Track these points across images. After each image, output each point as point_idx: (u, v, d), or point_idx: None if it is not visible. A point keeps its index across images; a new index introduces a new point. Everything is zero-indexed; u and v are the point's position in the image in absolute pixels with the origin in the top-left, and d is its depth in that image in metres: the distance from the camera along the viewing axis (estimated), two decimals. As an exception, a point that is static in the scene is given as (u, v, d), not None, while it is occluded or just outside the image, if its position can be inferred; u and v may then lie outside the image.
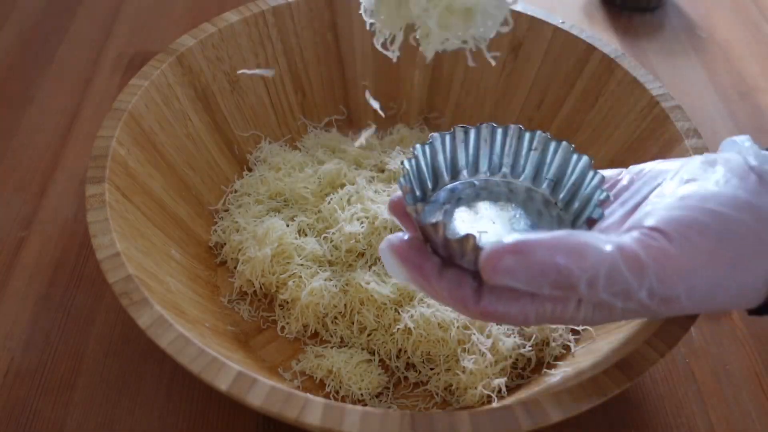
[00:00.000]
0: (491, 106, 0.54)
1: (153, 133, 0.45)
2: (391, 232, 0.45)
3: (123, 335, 0.44)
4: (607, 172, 0.35)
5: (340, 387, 0.40)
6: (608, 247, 0.27)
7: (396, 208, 0.33)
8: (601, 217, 0.31)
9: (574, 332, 0.42)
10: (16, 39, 0.67)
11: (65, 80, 0.63)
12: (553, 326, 0.42)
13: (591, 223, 0.31)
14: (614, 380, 0.32)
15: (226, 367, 0.32)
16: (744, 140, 0.32)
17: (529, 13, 0.52)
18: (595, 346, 0.39)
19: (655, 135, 0.45)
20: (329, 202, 0.47)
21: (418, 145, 0.34)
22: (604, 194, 0.32)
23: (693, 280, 0.27)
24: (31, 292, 0.46)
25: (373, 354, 0.42)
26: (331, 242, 0.45)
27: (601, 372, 0.32)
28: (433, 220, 0.29)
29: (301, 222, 0.47)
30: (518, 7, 0.52)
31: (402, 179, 0.32)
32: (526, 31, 0.52)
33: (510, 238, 0.27)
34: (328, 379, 0.41)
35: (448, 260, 0.30)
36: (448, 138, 0.36)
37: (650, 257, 0.27)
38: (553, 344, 0.41)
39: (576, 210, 0.34)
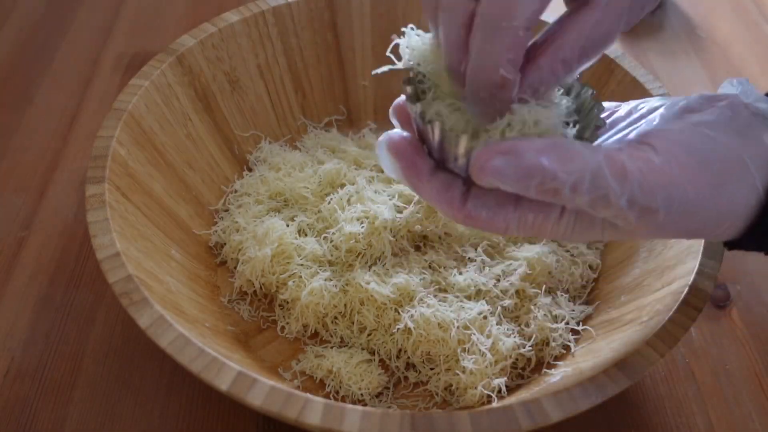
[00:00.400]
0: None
1: (153, 133, 0.45)
2: (391, 231, 0.45)
3: (123, 335, 0.44)
4: (607, 104, 0.35)
5: (340, 387, 0.40)
6: (594, 153, 0.28)
7: (399, 111, 0.33)
8: (595, 139, 0.31)
9: (574, 332, 0.42)
10: (17, 39, 0.67)
11: (65, 80, 0.63)
12: (551, 325, 0.42)
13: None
14: (614, 380, 0.32)
15: (226, 367, 0.32)
16: (741, 81, 0.33)
17: (529, 13, 0.52)
18: (595, 346, 0.39)
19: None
20: (329, 202, 0.47)
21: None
22: (601, 120, 0.31)
23: (672, 193, 0.28)
24: (31, 292, 0.46)
25: (373, 354, 0.42)
26: (331, 242, 0.45)
27: (601, 372, 0.32)
28: (429, 119, 0.29)
29: (301, 222, 0.47)
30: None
31: (406, 80, 0.32)
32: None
33: (501, 141, 0.28)
34: (328, 379, 0.41)
35: (441, 164, 0.31)
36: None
37: (634, 165, 0.28)
38: (553, 344, 0.41)
39: (574, 133, 0.33)
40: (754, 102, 0.31)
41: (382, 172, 0.51)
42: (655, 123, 0.31)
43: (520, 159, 0.27)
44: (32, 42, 0.67)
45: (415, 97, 0.31)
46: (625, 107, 0.35)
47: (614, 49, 0.49)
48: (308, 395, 0.31)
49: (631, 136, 0.30)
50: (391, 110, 0.34)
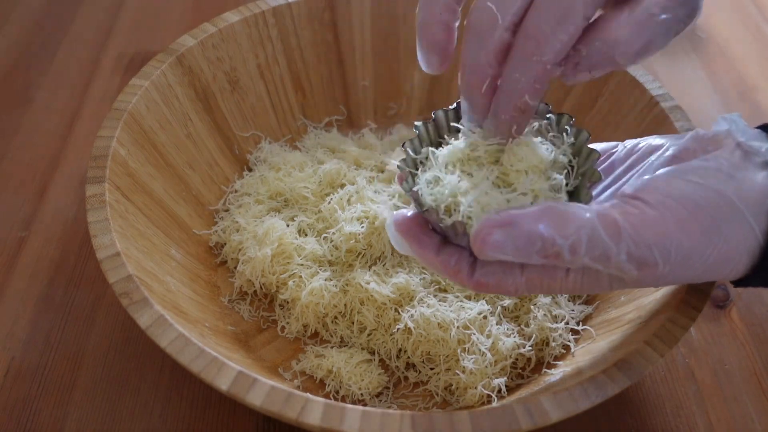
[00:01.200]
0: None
1: (153, 133, 0.45)
2: (391, 232, 0.45)
3: (123, 335, 0.44)
4: (602, 146, 0.36)
5: (340, 387, 0.40)
6: (588, 214, 0.28)
7: (403, 180, 0.34)
8: (590, 199, 0.32)
9: (574, 332, 0.42)
10: (17, 39, 0.67)
11: (66, 80, 0.63)
12: (551, 325, 0.42)
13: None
14: (614, 380, 0.32)
15: (226, 367, 0.32)
16: (734, 117, 0.33)
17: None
18: (595, 346, 0.39)
19: (655, 135, 0.45)
20: (329, 202, 0.47)
21: (419, 123, 0.35)
22: (597, 174, 0.32)
23: (667, 245, 0.29)
24: (31, 292, 0.46)
25: (373, 354, 0.42)
26: (331, 242, 0.45)
27: (601, 372, 0.32)
28: (426, 208, 0.31)
29: (301, 222, 0.47)
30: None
31: (401, 162, 0.33)
32: (526, 31, 0.52)
33: (496, 214, 0.29)
34: (328, 379, 0.41)
35: (446, 238, 0.33)
36: (451, 112, 0.35)
37: (627, 221, 0.28)
38: (552, 344, 0.41)
39: (569, 185, 0.34)
40: (748, 141, 0.31)
41: (382, 171, 0.51)
42: (646, 176, 0.31)
43: (517, 230, 0.28)
44: (32, 42, 0.67)
45: (411, 180, 0.33)
46: (621, 147, 0.36)
47: (614, 49, 0.49)
48: (308, 395, 0.31)
49: (625, 190, 0.31)
50: (396, 178, 0.36)
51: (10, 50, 0.66)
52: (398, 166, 0.33)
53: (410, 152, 0.34)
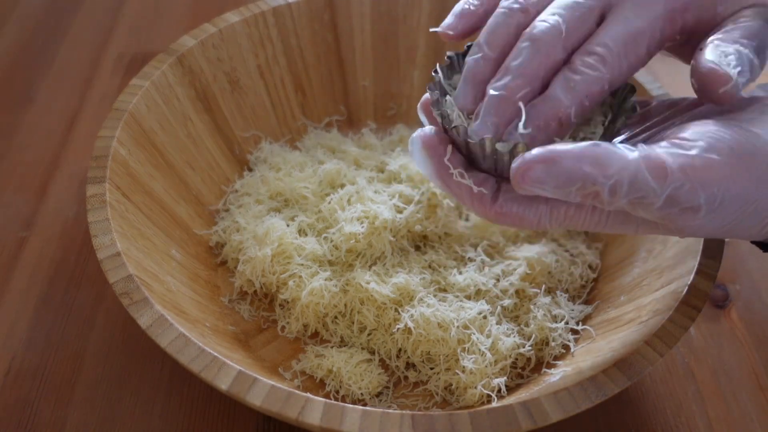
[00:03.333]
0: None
1: (153, 134, 0.45)
2: (391, 232, 0.45)
3: (123, 335, 0.44)
4: (642, 99, 0.36)
5: (340, 386, 0.40)
6: (633, 154, 0.27)
7: (426, 106, 0.34)
8: (624, 125, 0.31)
9: (574, 332, 0.42)
10: (17, 39, 0.67)
11: (66, 80, 0.63)
12: (551, 325, 0.42)
13: (614, 131, 0.31)
14: (614, 380, 0.32)
15: (227, 366, 0.32)
16: None
17: (528, 13, 0.52)
18: (595, 346, 0.39)
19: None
20: (329, 202, 0.47)
21: (449, 52, 0.34)
22: (634, 107, 0.31)
23: (716, 190, 0.27)
24: (31, 292, 0.46)
25: (373, 354, 0.42)
26: (331, 242, 0.45)
27: (600, 372, 0.32)
28: (454, 124, 0.30)
29: (302, 222, 0.47)
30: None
31: (431, 84, 0.33)
32: (526, 31, 0.52)
33: (540, 148, 0.28)
34: (328, 379, 0.41)
35: (470, 161, 0.32)
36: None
37: (675, 163, 0.27)
38: (552, 344, 0.41)
39: (606, 121, 0.33)
40: None
41: (382, 171, 0.51)
42: (694, 119, 0.30)
43: (560, 166, 0.27)
44: (33, 42, 0.67)
45: (438, 103, 0.32)
46: (659, 102, 0.35)
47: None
48: (308, 395, 0.31)
49: (671, 132, 0.30)
50: (419, 105, 0.35)
51: (10, 50, 0.66)
52: (428, 89, 0.32)
53: (441, 77, 0.33)
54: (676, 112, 0.33)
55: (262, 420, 0.40)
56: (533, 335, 0.41)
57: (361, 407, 0.30)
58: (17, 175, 0.54)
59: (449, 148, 0.31)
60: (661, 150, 0.28)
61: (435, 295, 0.43)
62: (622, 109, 0.32)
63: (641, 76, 0.47)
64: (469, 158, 0.32)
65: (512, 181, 0.28)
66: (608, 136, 0.32)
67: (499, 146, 0.29)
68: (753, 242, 0.33)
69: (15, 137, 0.57)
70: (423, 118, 0.35)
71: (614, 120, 0.32)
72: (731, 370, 0.43)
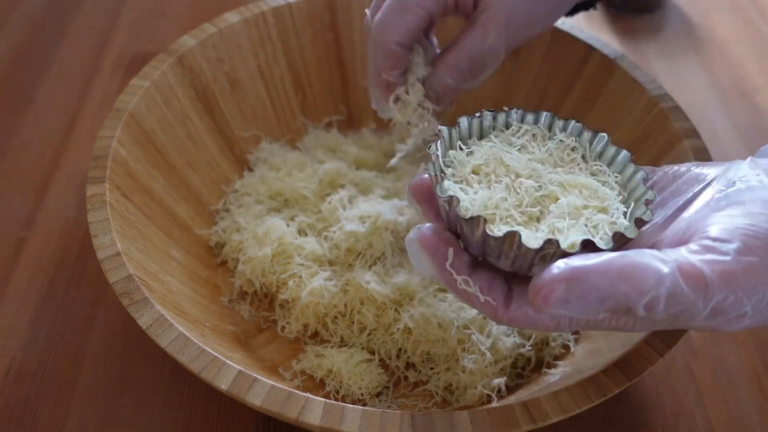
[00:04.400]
0: (491, 107, 0.54)
1: (154, 134, 0.45)
2: (392, 232, 0.45)
3: (123, 335, 0.44)
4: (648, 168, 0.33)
5: (340, 386, 0.40)
6: (666, 267, 0.25)
7: (418, 191, 0.31)
8: (651, 219, 0.29)
9: (574, 332, 0.42)
10: (18, 39, 0.67)
11: (66, 81, 0.63)
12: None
13: (640, 224, 0.28)
14: (614, 380, 0.32)
15: (227, 366, 0.32)
16: None
17: (528, 13, 0.52)
18: (595, 346, 0.39)
19: (655, 135, 0.45)
20: (330, 203, 0.47)
21: (443, 127, 0.32)
22: (651, 193, 0.29)
23: (761, 296, 0.25)
24: (31, 292, 0.46)
25: (373, 354, 0.42)
26: (331, 241, 0.45)
27: (600, 372, 0.32)
28: (472, 215, 0.27)
29: (302, 222, 0.47)
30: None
31: (430, 165, 0.30)
32: (526, 31, 0.52)
33: (560, 264, 0.25)
34: (328, 379, 0.41)
35: (479, 257, 0.29)
36: (475, 121, 0.33)
37: (714, 273, 0.25)
38: (552, 344, 0.41)
39: (626, 212, 0.30)
40: None
41: (381, 171, 0.51)
42: (717, 211, 0.28)
43: (586, 285, 0.24)
44: (33, 42, 0.67)
45: (441, 187, 0.29)
46: (661, 172, 0.32)
47: (614, 50, 0.49)
48: (308, 395, 0.31)
49: (697, 230, 0.27)
50: (408, 189, 0.31)
51: (10, 50, 0.66)
52: (426, 170, 0.30)
53: (439, 155, 0.30)
54: (684, 185, 0.31)
55: (262, 420, 0.40)
56: (533, 335, 0.41)
57: (361, 407, 0.30)
58: (17, 175, 0.54)
59: (450, 251, 0.28)
60: (694, 257, 0.25)
61: (435, 295, 0.43)
62: (635, 195, 0.29)
63: (641, 76, 0.47)
64: (479, 251, 0.28)
65: (532, 302, 0.25)
66: (632, 230, 0.28)
67: (525, 241, 0.26)
68: None
69: (15, 137, 0.57)
70: (415, 205, 0.31)
71: (634, 209, 0.29)
72: (731, 370, 0.43)
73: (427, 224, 0.29)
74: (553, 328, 0.28)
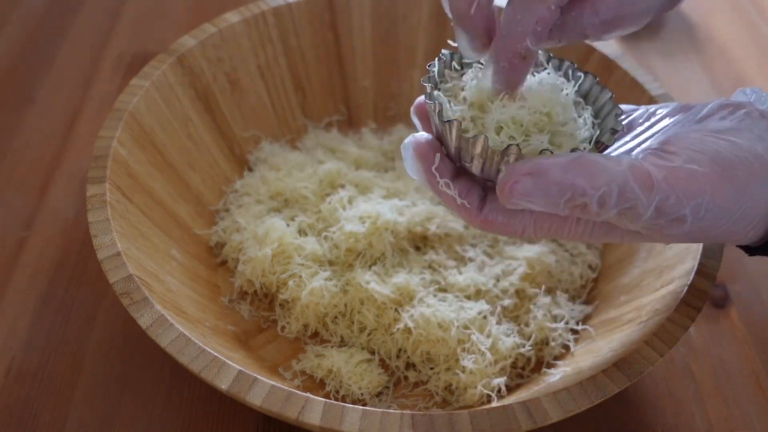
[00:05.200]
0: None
1: (154, 134, 0.45)
2: (392, 232, 0.45)
3: (124, 335, 0.44)
4: (624, 107, 0.35)
5: (341, 386, 0.40)
6: (620, 166, 0.28)
7: (419, 109, 0.34)
8: (611, 143, 0.31)
9: (574, 332, 0.42)
10: (18, 39, 0.67)
11: (66, 81, 0.63)
12: (551, 325, 0.42)
13: (600, 146, 0.31)
14: (614, 380, 0.32)
15: (227, 366, 0.32)
16: (755, 90, 0.33)
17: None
18: (595, 346, 0.39)
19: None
20: (330, 203, 0.47)
21: (445, 51, 0.34)
22: (620, 126, 0.31)
23: (699, 200, 0.28)
24: (31, 292, 0.46)
25: (373, 353, 0.42)
26: (331, 241, 0.45)
27: (600, 372, 0.32)
28: (446, 118, 0.30)
29: (302, 222, 0.47)
30: None
31: (426, 78, 0.33)
32: (526, 31, 0.52)
33: (525, 161, 0.28)
34: (329, 379, 0.41)
35: (459, 164, 0.32)
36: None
37: (660, 174, 0.28)
38: (552, 344, 0.41)
39: (592, 137, 0.33)
40: None
41: (381, 171, 0.51)
42: (674, 131, 0.31)
43: (547, 178, 0.27)
44: (33, 42, 0.67)
45: (431, 95, 0.32)
46: (642, 110, 0.35)
47: (614, 50, 0.49)
48: (308, 395, 0.31)
49: (653, 144, 0.30)
50: (412, 108, 0.35)
51: (10, 50, 0.66)
52: (422, 82, 0.32)
53: (436, 71, 0.33)
54: (658, 121, 0.34)
55: (262, 420, 0.40)
56: (533, 335, 0.41)
57: (361, 407, 0.30)
58: (17, 175, 0.54)
59: (437, 156, 0.32)
60: (646, 161, 0.29)
61: (435, 295, 0.43)
62: (607, 127, 0.32)
63: (641, 76, 0.47)
64: (457, 156, 0.32)
65: (499, 194, 0.28)
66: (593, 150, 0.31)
67: (492, 143, 0.30)
68: (738, 246, 0.33)
69: (15, 137, 0.57)
70: (416, 121, 0.35)
71: (600, 136, 0.32)
72: (731, 370, 0.43)
73: (421, 133, 0.32)
74: (520, 233, 0.31)
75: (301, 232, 0.47)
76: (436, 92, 0.33)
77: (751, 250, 0.33)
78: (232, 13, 0.51)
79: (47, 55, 0.65)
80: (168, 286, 0.39)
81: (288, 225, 0.46)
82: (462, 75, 0.34)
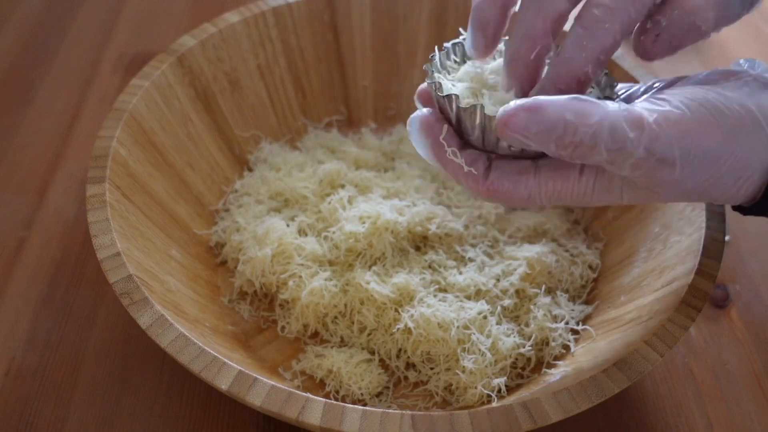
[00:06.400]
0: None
1: (153, 133, 0.45)
2: (392, 232, 0.45)
3: (123, 335, 0.44)
4: (624, 84, 0.36)
5: (340, 387, 0.40)
6: (613, 107, 0.29)
7: (422, 94, 0.35)
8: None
9: (574, 332, 0.42)
10: (17, 39, 0.67)
11: (66, 81, 0.63)
12: (551, 325, 0.42)
13: None
14: (614, 380, 0.32)
15: (227, 366, 0.32)
16: (751, 60, 0.33)
17: (529, 13, 0.52)
18: (595, 346, 0.39)
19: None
20: (329, 203, 0.47)
21: (447, 43, 0.36)
22: (615, 95, 0.32)
23: (689, 143, 0.29)
24: (31, 292, 0.46)
25: (373, 354, 0.42)
26: (331, 241, 0.45)
27: (600, 372, 0.32)
28: (446, 93, 0.31)
29: (301, 222, 0.47)
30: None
31: (427, 64, 0.34)
32: (526, 31, 0.52)
33: (524, 98, 0.29)
34: (328, 379, 0.41)
35: (461, 137, 0.33)
36: (459, 45, 0.36)
37: (651, 117, 0.28)
38: (552, 344, 0.41)
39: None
40: (763, 72, 0.32)
41: (381, 171, 0.51)
42: (670, 88, 0.32)
43: (543, 113, 0.28)
44: (33, 42, 0.67)
45: (432, 76, 0.34)
46: (641, 84, 0.36)
47: (614, 50, 0.49)
48: (308, 395, 0.31)
49: (648, 98, 0.31)
50: (415, 95, 0.36)
51: (10, 50, 0.66)
52: (424, 68, 0.34)
53: (438, 58, 0.35)
54: (655, 90, 0.34)
55: (262, 420, 0.40)
56: (533, 335, 0.41)
57: (361, 407, 0.30)
58: (17, 175, 0.54)
59: (445, 127, 0.33)
60: (639, 105, 0.29)
61: (435, 295, 0.43)
62: (603, 95, 0.33)
63: (641, 76, 0.47)
64: (461, 131, 0.33)
65: (497, 128, 0.29)
66: None
67: (488, 111, 0.30)
68: (734, 208, 0.34)
69: (15, 137, 0.57)
70: (419, 106, 0.35)
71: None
72: (731, 370, 0.43)
73: (426, 108, 0.33)
74: (525, 198, 0.31)
75: (301, 232, 0.47)
76: (437, 74, 0.34)
77: (744, 210, 0.33)
78: (232, 13, 0.51)
79: (47, 55, 0.65)
80: (168, 286, 0.39)
81: (288, 225, 0.46)
82: (462, 67, 0.35)
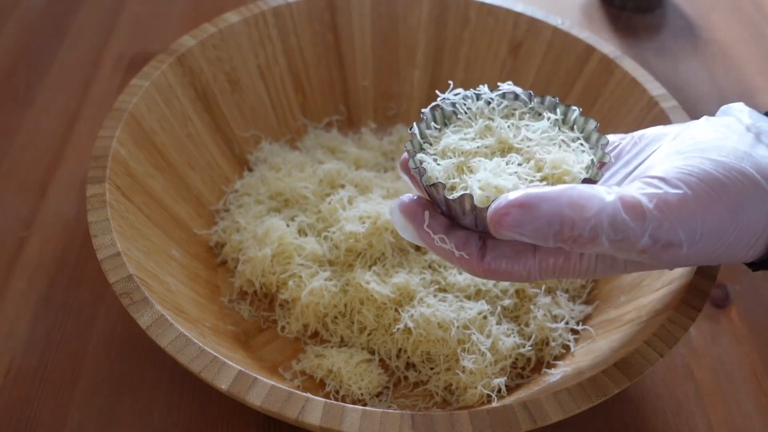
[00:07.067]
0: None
1: (153, 133, 0.45)
2: (392, 232, 0.45)
3: (123, 335, 0.44)
4: (611, 137, 0.35)
5: (340, 387, 0.40)
6: (610, 197, 0.28)
7: (406, 166, 0.34)
8: (599, 179, 0.31)
9: (574, 332, 0.42)
10: (17, 39, 0.67)
11: (66, 81, 0.63)
12: (551, 325, 0.42)
13: (588, 183, 0.31)
14: (614, 380, 0.32)
15: (227, 366, 0.32)
16: (738, 107, 0.33)
17: (528, 13, 0.52)
18: (595, 346, 0.39)
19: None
20: (329, 203, 0.47)
21: (425, 110, 0.34)
22: (607, 157, 0.31)
23: (694, 225, 0.28)
24: (31, 292, 0.46)
25: (373, 354, 0.42)
26: (331, 241, 0.45)
27: (600, 372, 0.32)
28: (432, 182, 0.30)
29: (301, 222, 0.47)
30: (518, 8, 0.52)
31: (408, 143, 0.33)
32: (526, 31, 0.52)
33: (515, 193, 0.28)
34: (328, 379, 0.41)
35: (452, 219, 0.32)
36: (457, 102, 0.35)
37: (651, 203, 0.28)
38: (552, 344, 0.41)
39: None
40: (755, 122, 0.31)
41: (381, 171, 0.51)
42: (662, 153, 0.31)
43: (536, 210, 0.27)
44: (33, 42, 0.67)
45: (414, 159, 0.32)
46: (629, 137, 0.35)
47: (613, 50, 0.49)
48: (308, 395, 0.31)
49: (640, 171, 0.30)
50: (399, 165, 0.35)
51: (10, 50, 0.66)
52: (405, 147, 0.33)
53: (417, 132, 0.33)
54: (645, 147, 0.33)
55: (262, 420, 0.40)
56: (533, 335, 0.41)
57: (361, 407, 0.30)
58: (17, 175, 0.54)
59: (427, 214, 0.31)
60: (636, 190, 0.28)
61: (435, 295, 0.43)
62: (597, 157, 0.32)
63: (641, 76, 0.47)
64: (449, 214, 0.31)
65: (489, 225, 0.28)
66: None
67: (478, 202, 0.29)
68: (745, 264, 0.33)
69: (15, 137, 0.57)
70: (405, 177, 0.35)
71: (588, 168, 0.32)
72: (731, 370, 0.43)
73: (407, 194, 0.33)
74: (525, 277, 0.30)
75: (301, 232, 0.47)
76: (419, 155, 0.33)
77: (754, 265, 0.33)
78: (231, 13, 0.51)
79: (47, 55, 0.65)
80: (168, 286, 0.39)
81: (288, 225, 0.46)
82: (442, 133, 0.34)
